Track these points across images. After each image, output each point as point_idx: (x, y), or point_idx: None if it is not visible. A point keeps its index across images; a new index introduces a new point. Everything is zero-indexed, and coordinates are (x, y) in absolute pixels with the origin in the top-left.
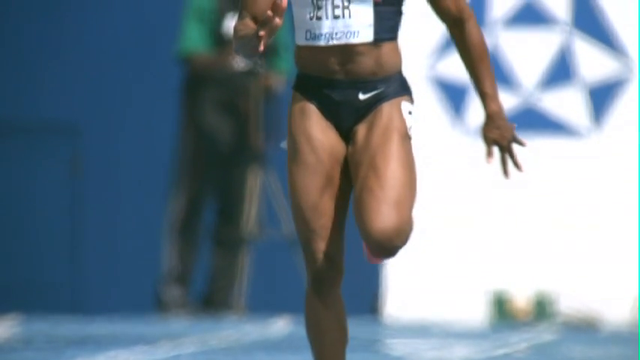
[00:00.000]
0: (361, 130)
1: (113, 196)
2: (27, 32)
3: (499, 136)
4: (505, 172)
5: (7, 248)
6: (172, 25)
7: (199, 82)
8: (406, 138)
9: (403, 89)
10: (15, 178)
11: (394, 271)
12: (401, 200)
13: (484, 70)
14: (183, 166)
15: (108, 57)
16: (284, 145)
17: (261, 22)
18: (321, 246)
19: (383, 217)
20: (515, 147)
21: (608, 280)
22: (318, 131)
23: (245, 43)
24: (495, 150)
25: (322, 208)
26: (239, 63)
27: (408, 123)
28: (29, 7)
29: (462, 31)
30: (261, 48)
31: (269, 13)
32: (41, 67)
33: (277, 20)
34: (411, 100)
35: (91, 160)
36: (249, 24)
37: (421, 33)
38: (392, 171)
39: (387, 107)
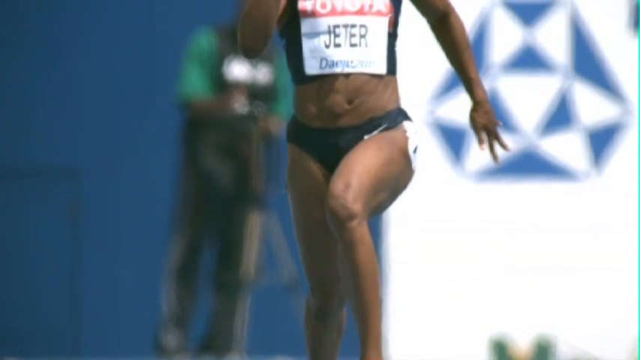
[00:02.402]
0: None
1: (113, 241)
2: (25, 75)
3: (488, 121)
4: (494, 157)
5: (6, 292)
6: (172, 69)
7: (199, 126)
8: (405, 155)
9: (404, 117)
10: (14, 223)
11: (395, 315)
12: (367, 175)
13: (468, 57)
14: (183, 210)
15: (107, 101)
16: (284, 191)
17: None
18: (327, 288)
19: (343, 181)
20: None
21: (607, 322)
22: (318, 207)
23: (259, 6)
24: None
25: (327, 256)
26: (239, 107)
27: (413, 142)
28: (28, 49)
29: (446, 24)
30: None
31: None
32: (40, 112)
33: None
34: (413, 123)
35: (90, 205)
36: None
37: (421, 78)
38: (369, 159)
39: (387, 131)
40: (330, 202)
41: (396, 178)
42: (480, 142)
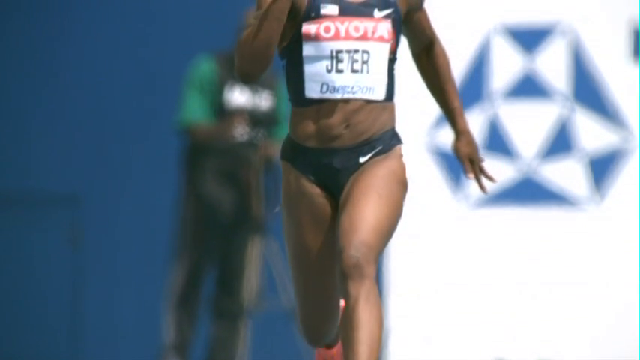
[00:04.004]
0: (355, 176)
1: (113, 267)
2: (24, 101)
3: (472, 150)
4: (481, 187)
5: (6, 319)
6: (173, 96)
7: (200, 152)
8: (402, 184)
9: (398, 140)
10: (14, 250)
11: (396, 339)
12: (375, 230)
13: (452, 87)
14: (184, 237)
15: (108, 126)
16: (278, 209)
17: None
18: (318, 323)
19: (354, 241)
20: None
21: (608, 348)
22: (314, 235)
23: (264, 16)
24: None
25: (320, 281)
26: (240, 134)
27: (406, 171)
28: (27, 74)
29: (431, 53)
30: None
31: None
32: (40, 137)
33: None
34: (403, 145)
35: (90, 231)
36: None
37: (422, 104)
38: (373, 202)
39: (382, 157)
40: (343, 262)
41: (398, 218)
42: (467, 171)
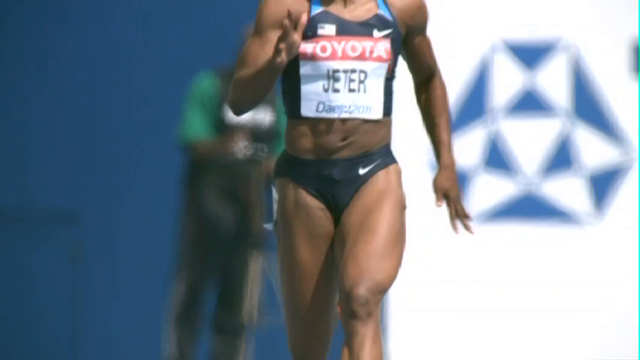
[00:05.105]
0: (357, 198)
1: (114, 284)
2: (25, 117)
3: (450, 187)
4: (453, 225)
5: (5, 337)
6: (174, 112)
7: (201, 168)
8: (402, 207)
9: (393, 158)
10: (14, 267)
11: (396, 354)
12: (383, 269)
13: (445, 120)
14: (184, 252)
15: (108, 143)
16: (269, 226)
17: (280, 36)
18: (307, 351)
19: (364, 281)
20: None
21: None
22: (310, 250)
23: (261, 71)
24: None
25: (313, 302)
26: (241, 150)
27: (404, 192)
28: (27, 90)
29: (430, 84)
30: (284, 59)
31: (286, 22)
32: (40, 154)
33: (296, 36)
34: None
35: (90, 248)
36: (253, 68)
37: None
38: (381, 239)
39: (383, 175)
40: (352, 302)
41: (404, 249)
42: (438, 200)
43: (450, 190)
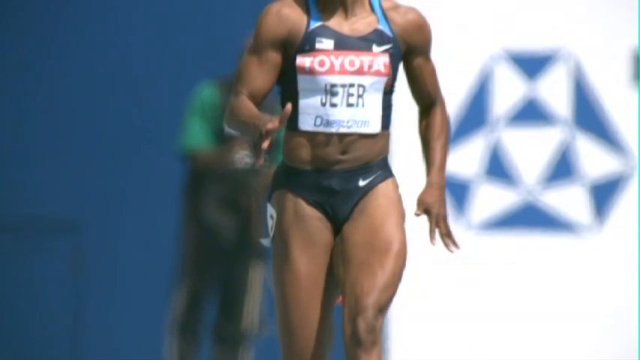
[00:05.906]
0: (361, 213)
1: (114, 293)
2: (25, 126)
3: (432, 204)
4: (432, 238)
5: (8, 347)
6: (175, 122)
7: (201, 178)
8: (404, 219)
9: (391, 171)
10: (15, 276)
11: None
12: (389, 285)
13: (442, 145)
14: (185, 262)
15: (109, 153)
16: (266, 242)
17: (266, 132)
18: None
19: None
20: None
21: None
22: (306, 260)
23: (245, 131)
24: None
25: (309, 316)
26: (241, 159)
27: (403, 204)
28: (27, 99)
29: (432, 111)
30: (261, 162)
31: (276, 124)
32: (41, 163)
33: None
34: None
35: (91, 257)
36: (249, 106)
37: None
38: (388, 259)
39: (384, 189)
40: (358, 328)
41: (405, 266)
42: (416, 210)
43: (432, 206)
